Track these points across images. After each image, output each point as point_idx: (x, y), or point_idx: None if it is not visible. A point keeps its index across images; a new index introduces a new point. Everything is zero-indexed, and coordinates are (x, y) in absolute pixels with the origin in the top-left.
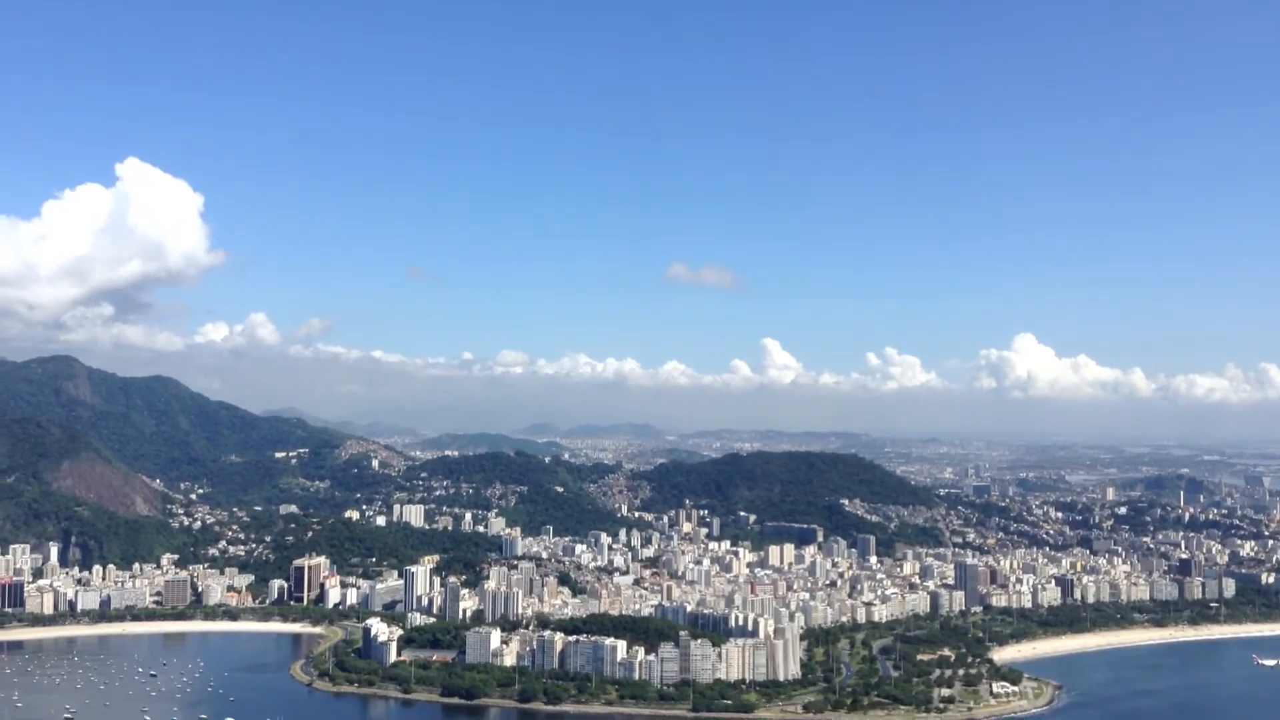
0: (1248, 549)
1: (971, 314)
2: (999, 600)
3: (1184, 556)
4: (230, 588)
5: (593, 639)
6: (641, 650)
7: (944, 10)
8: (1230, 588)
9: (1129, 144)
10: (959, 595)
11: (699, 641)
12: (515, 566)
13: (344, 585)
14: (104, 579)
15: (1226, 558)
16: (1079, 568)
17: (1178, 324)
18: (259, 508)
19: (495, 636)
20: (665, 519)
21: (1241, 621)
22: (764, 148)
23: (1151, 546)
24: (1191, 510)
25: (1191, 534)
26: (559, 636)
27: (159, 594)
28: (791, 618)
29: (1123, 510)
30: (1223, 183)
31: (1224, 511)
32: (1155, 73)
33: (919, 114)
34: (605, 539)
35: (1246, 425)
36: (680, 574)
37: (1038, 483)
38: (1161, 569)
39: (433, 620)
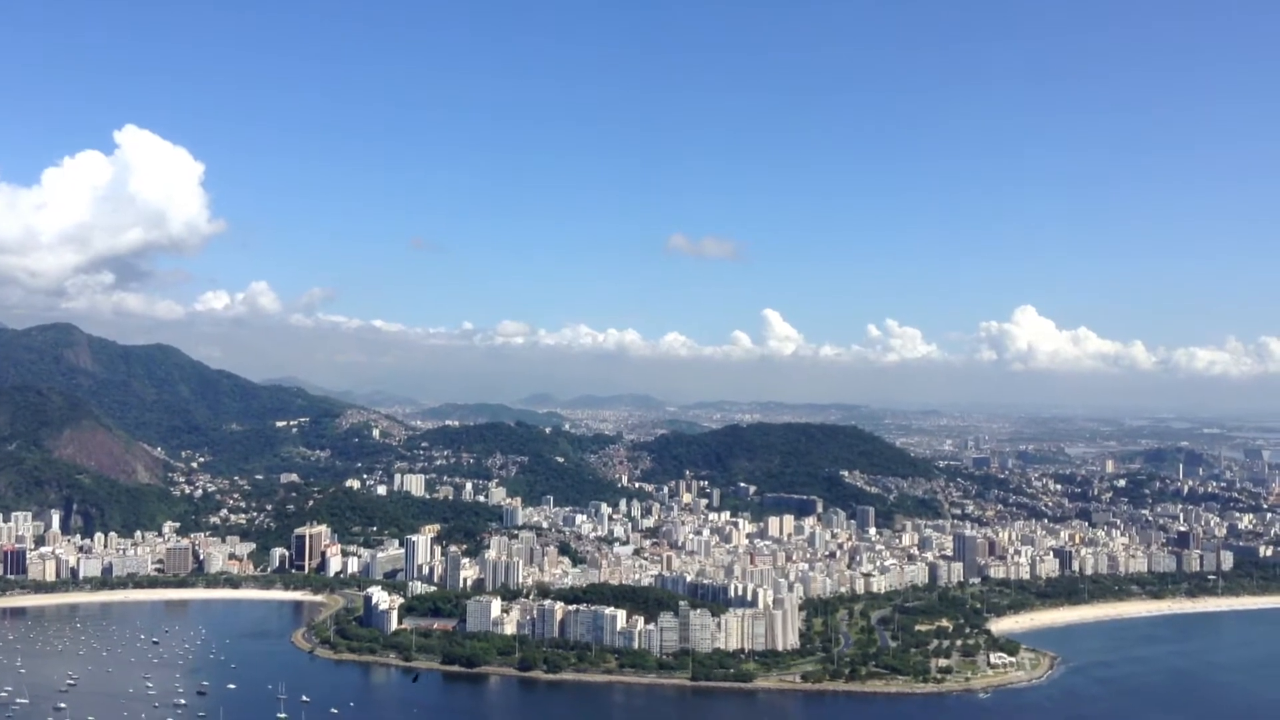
0: (1246, 522)
1: (972, 286)
2: (997, 572)
3: (1182, 529)
4: (232, 556)
5: (593, 608)
6: (641, 620)
7: None
8: (1228, 560)
9: (1130, 116)
10: (957, 566)
11: (698, 611)
12: (516, 536)
13: (345, 554)
14: (106, 546)
15: (1225, 531)
16: (1077, 540)
17: (1179, 297)
18: (260, 476)
19: (496, 605)
20: (665, 490)
21: (1239, 594)
22: (763, 118)
23: (1150, 519)
24: (1190, 483)
25: (1190, 507)
26: (559, 606)
27: (161, 562)
28: (790, 588)
29: (1122, 483)
30: (1225, 155)
31: (1223, 485)
32: (1156, 43)
33: (919, 87)
34: (605, 509)
35: (1246, 398)
36: (680, 544)
37: (1037, 455)
38: (1160, 541)
39: (433, 589)
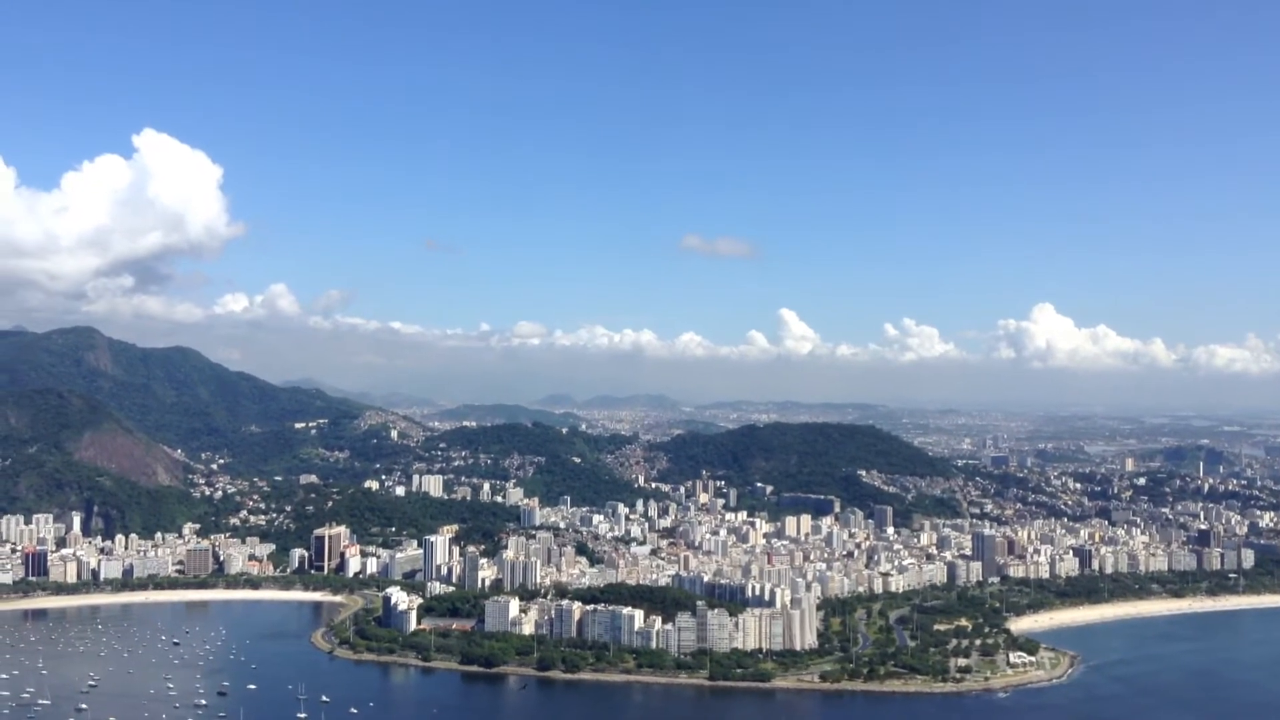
0: (1267, 520)
1: (990, 284)
2: (1016, 571)
3: (1203, 527)
4: (251, 557)
5: (610, 608)
6: (659, 619)
7: None
8: (1249, 559)
9: (1147, 112)
10: (976, 566)
11: (716, 611)
12: (533, 536)
13: (364, 554)
14: (126, 548)
15: (1245, 529)
16: (1097, 538)
17: (1198, 294)
18: (279, 478)
19: (514, 605)
20: (682, 490)
21: (1260, 592)
22: (777, 117)
23: (1170, 517)
24: (1211, 481)
25: (1210, 505)
26: (577, 605)
27: (181, 563)
28: (808, 588)
29: (1142, 481)
30: (1243, 150)
31: (1243, 482)
32: (1175, 37)
33: (934, 84)
34: (622, 509)
35: (1267, 396)
36: (697, 544)
37: (1056, 453)
38: (1180, 540)
39: (452, 589)
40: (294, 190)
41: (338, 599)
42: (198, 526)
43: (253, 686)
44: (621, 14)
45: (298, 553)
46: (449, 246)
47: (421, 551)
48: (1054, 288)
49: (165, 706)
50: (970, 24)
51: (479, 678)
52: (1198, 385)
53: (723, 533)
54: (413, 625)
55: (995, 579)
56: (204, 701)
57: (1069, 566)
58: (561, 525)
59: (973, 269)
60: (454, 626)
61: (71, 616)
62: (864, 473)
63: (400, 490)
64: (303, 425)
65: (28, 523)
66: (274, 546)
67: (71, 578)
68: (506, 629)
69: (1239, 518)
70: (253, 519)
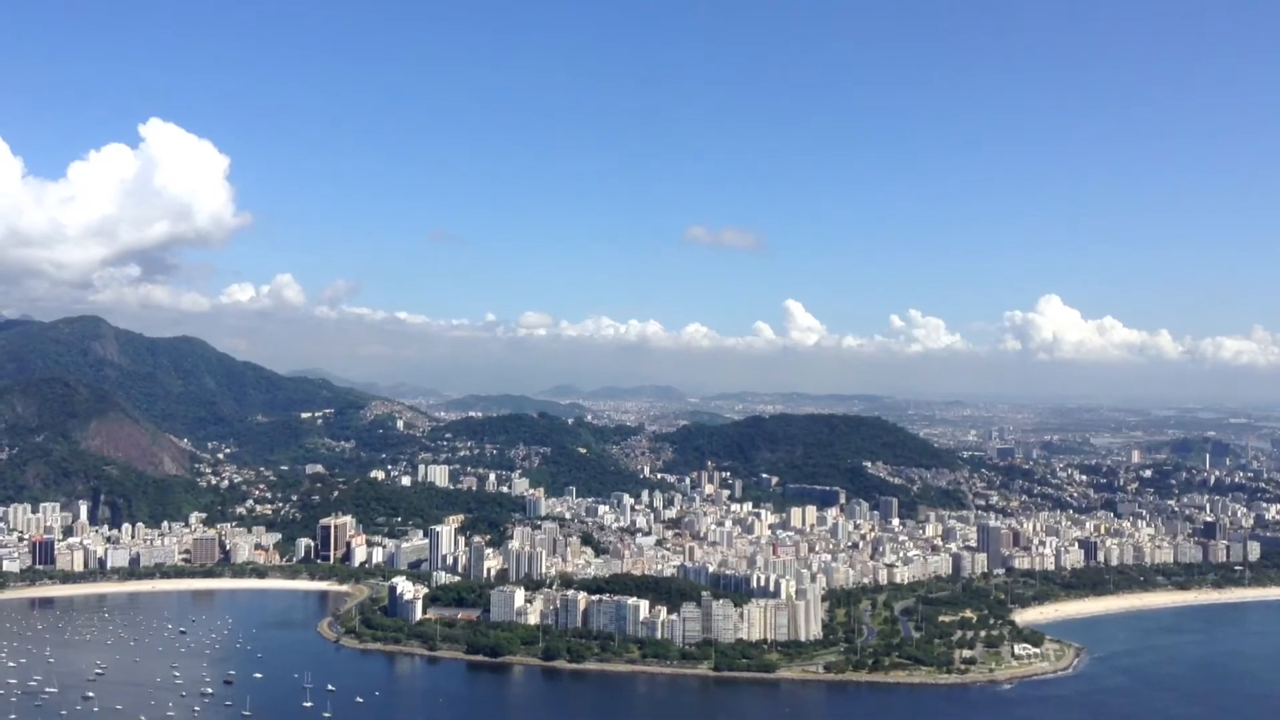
0: (1273, 512)
1: (996, 275)
2: (1022, 563)
3: (1209, 519)
4: (258, 546)
5: (616, 598)
6: (664, 610)
7: None
8: (1255, 551)
9: (1155, 105)
10: (981, 557)
11: (721, 602)
12: (539, 527)
13: (370, 544)
14: (133, 537)
15: (1251, 521)
16: (1103, 530)
17: (1205, 286)
18: (285, 467)
19: (519, 595)
20: (687, 481)
21: (1266, 584)
22: (783, 109)
23: (1176, 510)
24: (1217, 473)
25: (1217, 497)
26: (582, 596)
27: (187, 552)
28: (813, 579)
29: (1148, 473)
30: (1251, 144)
31: (1250, 475)
32: (1185, 33)
33: (942, 77)
34: (628, 500)
35: (1274, 388)
36: (702, 535)
37: (1062, 445)
38: (1186, 532)
39: (457, 579)
40: (300, 181)
41: (344, 588)
42: (204, 516)
43: (259, 675)
44: (626, 7)
45: (304, 542)
46: (455, 237)
47: (427, 541)
48: (1060, 279)
49: (172, 695)
50: (975, 18)
51: (484, 667)
52: (1204, 377)
53: (728, 524)
54: (418, 615)
55: (1000, 571)
56: (210, 690)
57: (1074, 558)
58: (567, 516)
59: (979, 261)
60: (459, 616)
61: (78, 605)
62: (869, 464)
63: (406, 480)
64: (309, 415)
65: (35, 511)
66: (280, 536)
67: (78, 566)
68: (512, 619)
69: (1245, 510)
70: (259, 508)
